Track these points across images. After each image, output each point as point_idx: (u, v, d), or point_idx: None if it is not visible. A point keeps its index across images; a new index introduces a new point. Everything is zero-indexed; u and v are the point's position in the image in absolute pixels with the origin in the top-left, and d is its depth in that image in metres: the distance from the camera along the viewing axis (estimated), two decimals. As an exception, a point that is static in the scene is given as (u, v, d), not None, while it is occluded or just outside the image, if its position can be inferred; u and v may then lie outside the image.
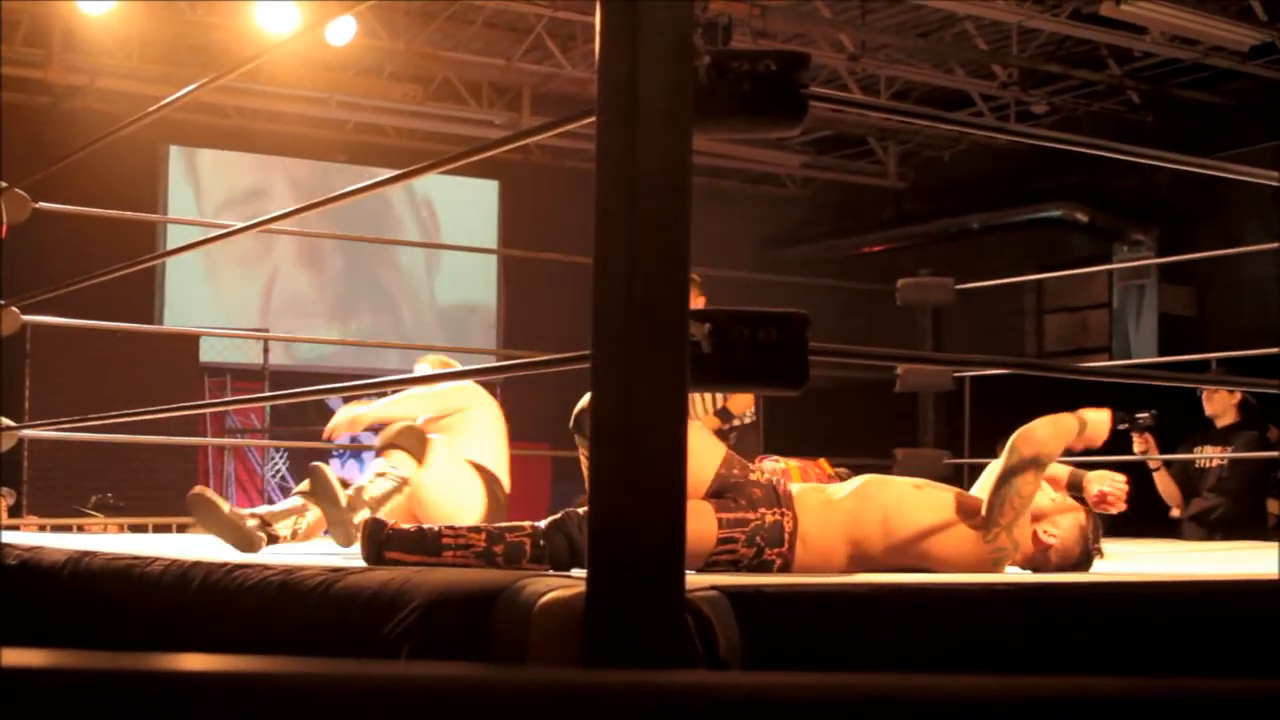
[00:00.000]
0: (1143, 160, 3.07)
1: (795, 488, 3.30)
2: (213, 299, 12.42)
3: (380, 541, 2.97)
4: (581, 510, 2.99)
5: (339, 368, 12.46)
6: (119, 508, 9.55)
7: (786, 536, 3.18)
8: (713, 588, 2.04)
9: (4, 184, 4.80)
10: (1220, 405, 7.13)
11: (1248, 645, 2.48)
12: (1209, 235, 10.96)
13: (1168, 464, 7.15)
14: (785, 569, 3.18)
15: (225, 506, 3.90)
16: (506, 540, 2.97)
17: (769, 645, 2.03)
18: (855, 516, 3.26)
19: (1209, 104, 11.43)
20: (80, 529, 8.02)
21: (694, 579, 2.03)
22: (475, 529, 3.11)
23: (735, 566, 3.14)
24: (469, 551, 2.93)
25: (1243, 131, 10.92)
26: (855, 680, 0.90)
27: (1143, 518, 7.23)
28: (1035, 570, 3.37)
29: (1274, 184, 3.09)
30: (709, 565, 3.12)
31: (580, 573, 2.04)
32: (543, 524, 3.02)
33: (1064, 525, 3.37)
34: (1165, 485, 7.20)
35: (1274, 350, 5.75)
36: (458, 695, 0.80)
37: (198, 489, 3.97)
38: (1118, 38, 10.35)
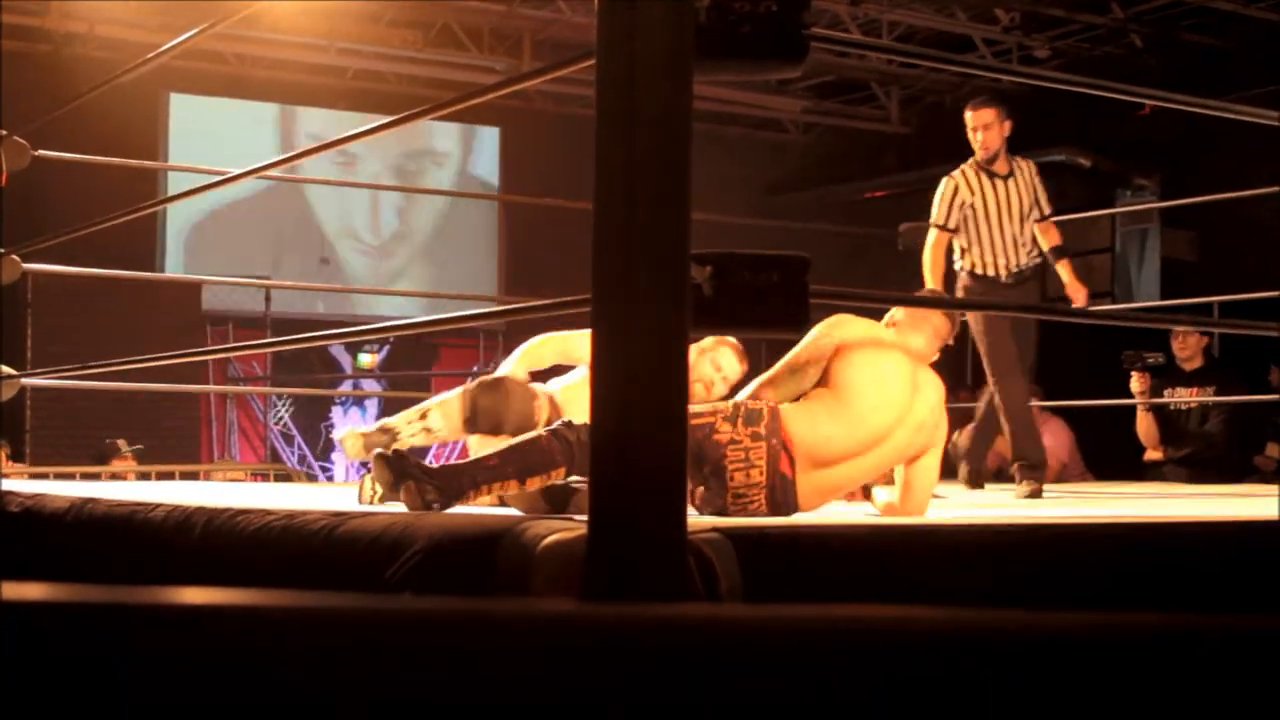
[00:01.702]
0: (1145, 101, 3.06)
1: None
2: (215, 245, 12.40)
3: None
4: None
5: (344, 315, 12.47)
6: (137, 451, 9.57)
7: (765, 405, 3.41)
8: (714, 529, 2.05)
9: (4, 132, 4.78)
10: (1192, 348, 7.21)
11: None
12: (1212, 180, 10.92)
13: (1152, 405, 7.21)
14: (775, 424, 3.32)
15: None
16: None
17: (770, 587, 2.04)
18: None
19: (1213, 47, 11.36)
20: (82, 476, 8.02)
21: (696, 521, 2.04)
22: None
23: (722, 415, 3.29)
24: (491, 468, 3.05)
25: (1246, 75, 10.86)
26: (856, 612, 0.90)
27: (1118, 459, 7.25)
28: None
29: (1276, 124, 3.08)
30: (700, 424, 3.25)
31: (582, 516, 2.05)
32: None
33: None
34: (1147, 426, 7.24)
35: (1276, 294, 5.74)
36: (457, 628, 0.80)
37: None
38: (1121, -20, 10.31)
